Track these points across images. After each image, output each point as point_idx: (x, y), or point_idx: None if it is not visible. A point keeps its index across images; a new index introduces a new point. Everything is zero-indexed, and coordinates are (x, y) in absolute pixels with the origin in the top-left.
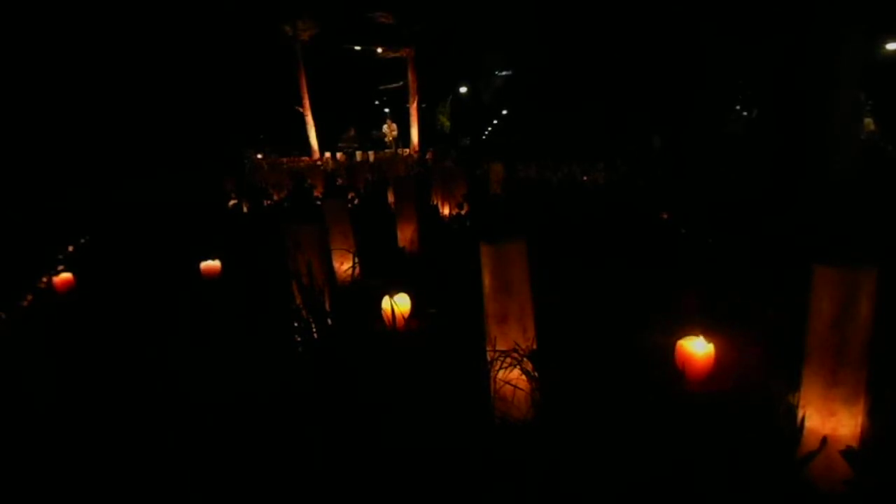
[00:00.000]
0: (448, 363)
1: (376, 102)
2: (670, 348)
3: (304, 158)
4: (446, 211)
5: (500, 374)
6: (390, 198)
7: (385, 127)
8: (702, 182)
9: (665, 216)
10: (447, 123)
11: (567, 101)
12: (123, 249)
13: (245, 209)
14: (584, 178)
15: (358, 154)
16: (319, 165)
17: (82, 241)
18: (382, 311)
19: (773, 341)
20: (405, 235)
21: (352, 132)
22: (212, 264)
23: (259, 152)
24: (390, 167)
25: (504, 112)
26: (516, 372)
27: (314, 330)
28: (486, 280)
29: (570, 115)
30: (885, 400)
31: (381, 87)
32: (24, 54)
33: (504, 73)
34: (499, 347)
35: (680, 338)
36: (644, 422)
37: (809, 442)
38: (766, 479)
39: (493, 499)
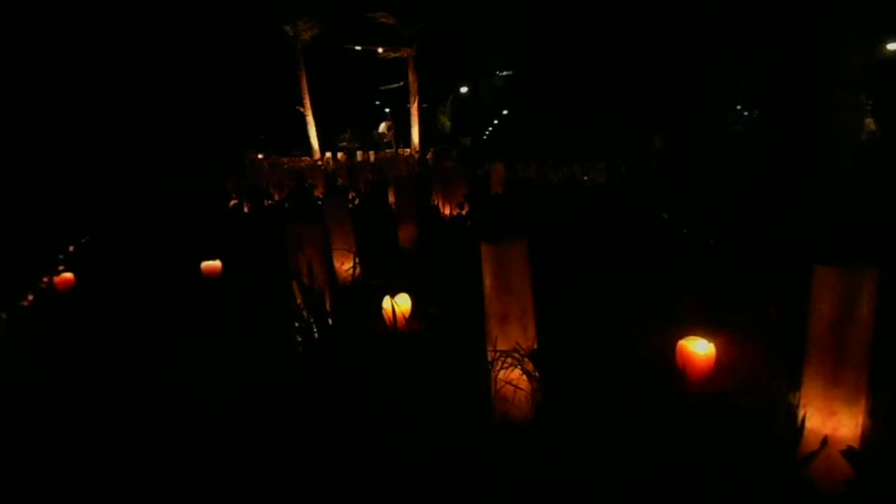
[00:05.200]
0: (449, 363)
1: (377, 102)
2: (671, 348)
3: (304, 158)
4: (447, 211)
5: (501, 374)
6: (391, 198)
7: (382, 125)
8: (702, 182)
9: (666, 216)
10: (448, 124)
11: (567, 101)
12: (124, 249)
13: (246, 209)
14: (585, 178)
15: (358, 154)
16: (320, 165)
17: (83, 240)
18: (383, 311)
19: (773, 341)
20: (406, 235)
21: (349, 133)
22: (213, 264)
23: (260, 152)
24: (391, 167)
25: (505, 112)
26: (517, 372)
27: (315, 330)
28: (487, 280)
29: (571, 115)
30: (886, 400)
31: (382, 88)
32: (25, 54)
33: (505, 73)
34: (499, 347)
35: (681, 338)
36: (645, 422)
37: (810, 442)
38: (767, 479)
39: (494, 499)
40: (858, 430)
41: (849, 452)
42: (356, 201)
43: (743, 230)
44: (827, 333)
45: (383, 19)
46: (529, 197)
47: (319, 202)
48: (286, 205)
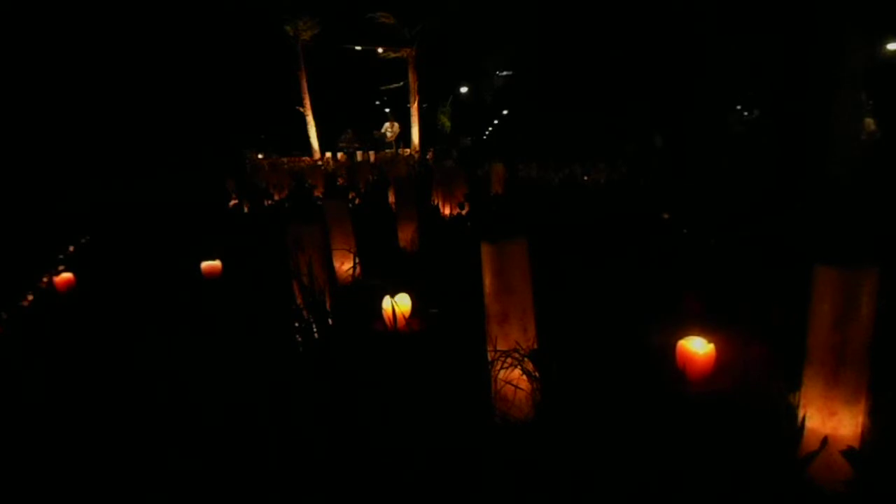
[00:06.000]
0: (449, 363)
1: (377, 102)
2: (671, 348)
3: (304, 158)
4: (447, 211)
5: (501, 374)
6: (391, 198)
7: (387, 125)
8: (703, 182)
9: (666, 216)
10: (448, 123)
11: (568, 101)
12: (124, 249)
13: (246, 209)
14: (586, 178)
15: (358, 154)
16: (320, 165)
17: (83, 240)
18: (383, 311)
19: (773, 341)
20: (406, 235)
21: (350, 133)
22: (212, 264)
23: (260, 152)
24: (391, 167)
25: (505, 112)
26: (517, 372)
27: (315, 330)
28: (487, 280)
29: (571, 116)
30: (886, 400)
31: (382, 88)
32: (25, 54)
33: (505, 73)
34: (500, 347)
35: (681, 338)
36: (645, 422)
37: (810, 442)
38: (767, 479)
39: (494, 499)
40: (858, 430)
41: (849, 452)
42: (356, 201)
43: (743, 230)
44: (827, 333)
45: (383, 19)
46: (529, 197)
47: (319, 202)
48: (286, 205)
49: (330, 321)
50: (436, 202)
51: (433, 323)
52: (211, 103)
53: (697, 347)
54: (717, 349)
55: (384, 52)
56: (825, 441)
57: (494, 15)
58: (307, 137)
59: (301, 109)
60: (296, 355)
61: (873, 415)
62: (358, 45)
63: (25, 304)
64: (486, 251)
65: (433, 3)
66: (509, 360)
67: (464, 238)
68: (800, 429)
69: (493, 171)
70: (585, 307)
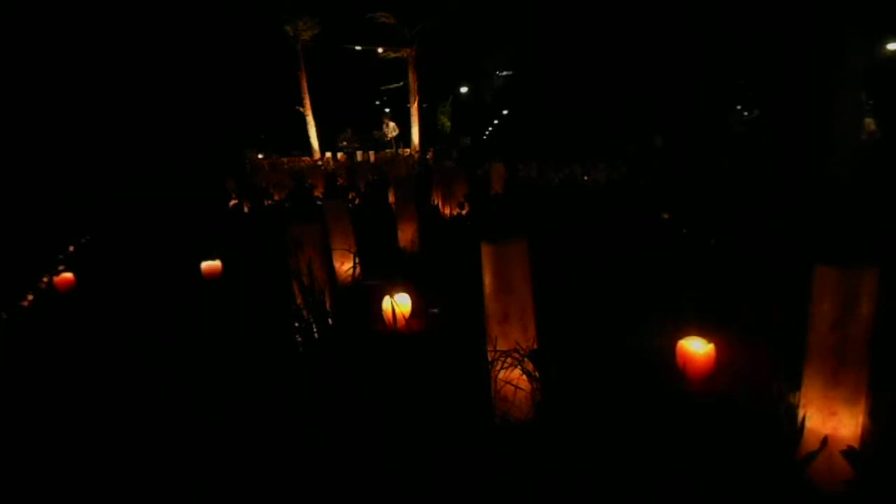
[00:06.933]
0: (449, 363)
1: (377, 102)
2: (671, 348)
3: (304, 158)
4: (447, 211)
5: (501, 374)
6: (391, 198)
7: (385, 127)
8: (703, 182)
9: (666, 216)
10: (448, 123)
11: (568, 102)
12: (124, 249)
13: (246, 209)
14: (586, 178)
15: (358, 154)
16: (320, 165)
17: (83, 240)
18: (383, 311)
19: (773, 341)
20: (406, 235)
21: (349, 133)
22: (212, 264)
23: (260, 152)
24: (391, 167)
25: (505, 112)
26: (517, 372)
27: (315, 330)
28: (487, 280)
29: (571, 116)
30: (886, 400)
31: (382, 88)
32: (25, 54)
33: (505, 73)
34: (500, 347)
35: (680, 338)
36: (645, 422)
37: (810, 442)
38: (767, 479)
39: (494, 498)
40: (858, 430)
41: (849, 452)
42: (356, 201)
43: (743, 230)
44: (827, 333)
45: (383, 19)
46: (529, 197)
47: (319, 202)
48: (286, 205)
49: (330, 321)
50: (436, 202)
51: (433, 323)
52: (211, 103)
53: (697, 347)
54: (717, 349)
55: (384, 52)
56: (825, 441)
57: (494, 15)
58: (307, 137)
59: (301, 109)
60: (296, 355)
61: (873, 415)
62: (358, 45)
63: (25, 304)
64: (486, 251)
65: (433, 3)
66: (509, 360)
67: (464, 238)
68: (800, 429)
69: (493, 171)
70: (586, 307)
